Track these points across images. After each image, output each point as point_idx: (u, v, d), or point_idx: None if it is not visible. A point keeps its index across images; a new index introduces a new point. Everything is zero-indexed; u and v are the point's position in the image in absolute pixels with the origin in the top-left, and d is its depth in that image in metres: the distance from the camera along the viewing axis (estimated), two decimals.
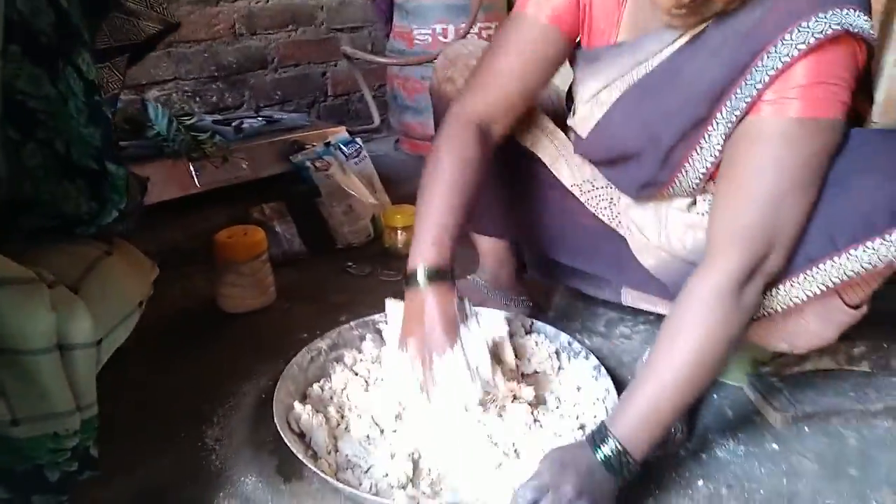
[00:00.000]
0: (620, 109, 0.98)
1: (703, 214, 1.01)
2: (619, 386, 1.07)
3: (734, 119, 0.86)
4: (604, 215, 1.15)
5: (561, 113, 1.16)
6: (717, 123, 0.88)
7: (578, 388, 1.11)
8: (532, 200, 1.20)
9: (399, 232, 1.71)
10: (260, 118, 2.01)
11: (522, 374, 1.13)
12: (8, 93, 0.70)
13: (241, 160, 1.76)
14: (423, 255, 0.94)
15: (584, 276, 1.28)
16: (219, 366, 1.24)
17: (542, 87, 1.05)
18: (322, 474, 0.89)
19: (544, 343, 1.21)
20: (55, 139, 0.75)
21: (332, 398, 1.08)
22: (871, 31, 0.79)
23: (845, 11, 0.78)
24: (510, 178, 1.18)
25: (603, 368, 1.12)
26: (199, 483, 0.96)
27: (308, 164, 1.76)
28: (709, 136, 0.90)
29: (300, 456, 0.91)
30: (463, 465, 0.94)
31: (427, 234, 0.95)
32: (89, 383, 0.71)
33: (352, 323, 1.22)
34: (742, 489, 0.97)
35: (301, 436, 1.00)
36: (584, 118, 1.03)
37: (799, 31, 0.79)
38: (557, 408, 1.08)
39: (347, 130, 2.01)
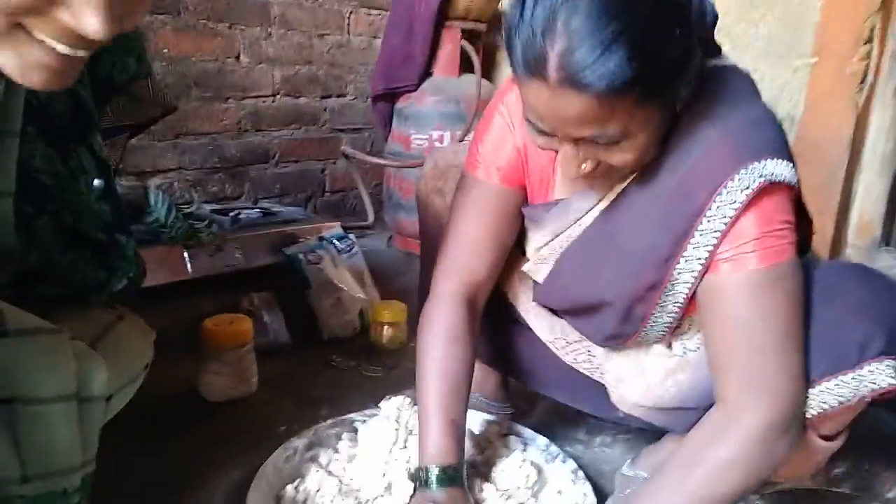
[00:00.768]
0: (567, 266, 0.99)
1: (682, 355, 1.01)
2: (598, 493, 1.05)
3: (692, 280, 0.87)
4: (583, 368, 1.13)
5: None
6: (673, 284, 0.88)
7: (560, 492, 1.09)
8: (514, 338, 1.20)
9: (385, 327, 1.72)
10: (257, 209, 2.06)
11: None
12: (24, 171, 0.75)
13: (235, 249, 1.79)
14: (433, 456, 0.94)
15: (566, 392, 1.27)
16: (193, 455, 1.21)
17: (514, 234, 1.05)
18: None
19: (519, 449, 1.19)
20: (63, 211, 0.79)
21: (305, 501, 1.05)
22: (793, 176, 0.82)
23: (763, 163, 0.80)
24: (494, 316, 1.17)
25: (581, 472, 1.11)
26: None
27: (301, 256, 1.79)
28: (666, 295, 0.90)
29: None
30: None
31: (434, 431, 0.95)
32: (94, 439, 0.72)
33: (329, 421, 1.21)
34: None
35: None
36: (535, 269, 1.05)
37: (727, 191, 0.81)
38: None
39: (342, 226, 2.05)
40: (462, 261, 1.03)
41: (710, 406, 0.90)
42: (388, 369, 1.62)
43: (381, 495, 1.01)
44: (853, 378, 0.82)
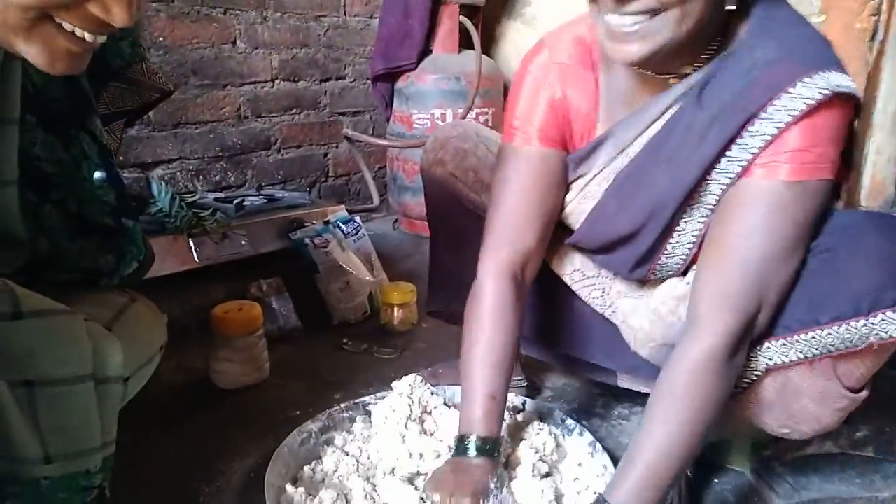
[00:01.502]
0: (614, 197, 0.98)
1: (691, 283, 1.00)
2: (617, 465, 1.04)
3: (727, 182, 0.87)
4: (596, 304, 1.14)
5: None
6: (709, 184, 0.89)
7: (580, 464, 1.09)
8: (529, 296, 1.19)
9: (395, 309, 1.71)
10: (261, 196, 2.04)
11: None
12: (25, 159, 0.75)
13: (240, 237, 1.78)
14: (475, 426, 0.94)
15: (578, 359, 1.27)
16: (208, 442, 1.21)
17: (560, 202, 1.04)
18: None
19: (536, 426, 1.17)
20: (68, 199, 0.80)
21: (323, 480, 1.05)
22: (856, 90, 0.81)
23: (828, 74, 0.80)
24: None
25: (599, 445, 1.10)
26: None
27: (307, 241, 1.78)
28: (700, 195, 0.90)
29: None
30: None
31: (476, 402, 0.95)
32: (114, 420, 0.73)
33: (342, 404, 1.21)
34: None
35: None
36: (573, 212, 1.04)
37: (788, 96, 0.80)
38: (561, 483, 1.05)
39: (347, 209, 2.04)
40: (508, 233, 1.01)
41: None
42: (400, 351, 1.61)
43: (400, 464, 1.00)
44: (864, 325, 0.82)
